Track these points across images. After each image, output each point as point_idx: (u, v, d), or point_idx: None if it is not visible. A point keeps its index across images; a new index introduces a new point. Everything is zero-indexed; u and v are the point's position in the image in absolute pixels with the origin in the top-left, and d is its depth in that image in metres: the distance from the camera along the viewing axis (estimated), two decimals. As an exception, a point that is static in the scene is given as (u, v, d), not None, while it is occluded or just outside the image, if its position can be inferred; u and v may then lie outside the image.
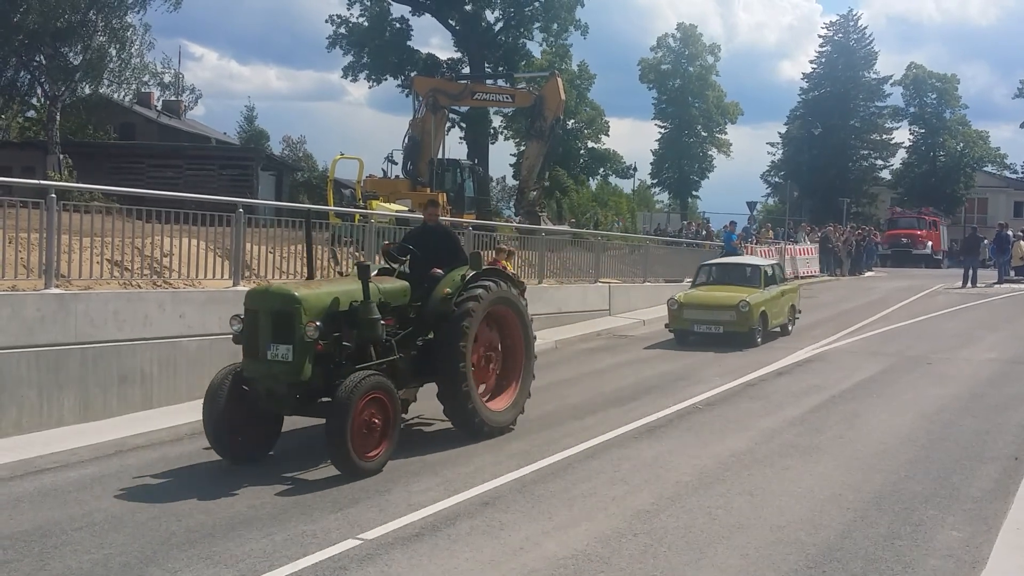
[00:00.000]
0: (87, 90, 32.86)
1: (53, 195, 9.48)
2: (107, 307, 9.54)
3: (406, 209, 21.57)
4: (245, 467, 8.07)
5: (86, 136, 37.17)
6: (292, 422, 10.16)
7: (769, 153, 66.98)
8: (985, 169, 65.67)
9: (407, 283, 9.05)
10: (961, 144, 62.99)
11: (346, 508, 6.97)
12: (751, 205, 37.86)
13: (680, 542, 6.26)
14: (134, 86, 34.09)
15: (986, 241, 35.75)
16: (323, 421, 7.85)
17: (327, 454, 7.77)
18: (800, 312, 18.53)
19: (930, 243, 46.47)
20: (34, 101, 36.78)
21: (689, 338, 16.23)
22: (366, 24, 44.22)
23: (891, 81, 62.95)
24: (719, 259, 20.84)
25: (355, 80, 45.82)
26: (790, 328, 17.61)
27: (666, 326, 16.65)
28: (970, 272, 28.41)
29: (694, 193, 61.73)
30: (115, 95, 34.50)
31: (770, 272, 17.37)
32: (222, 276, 11.61)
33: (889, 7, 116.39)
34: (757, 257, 19.55)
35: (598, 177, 57.83)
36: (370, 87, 47.03)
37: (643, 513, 6.88)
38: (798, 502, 7.18)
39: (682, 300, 16.43)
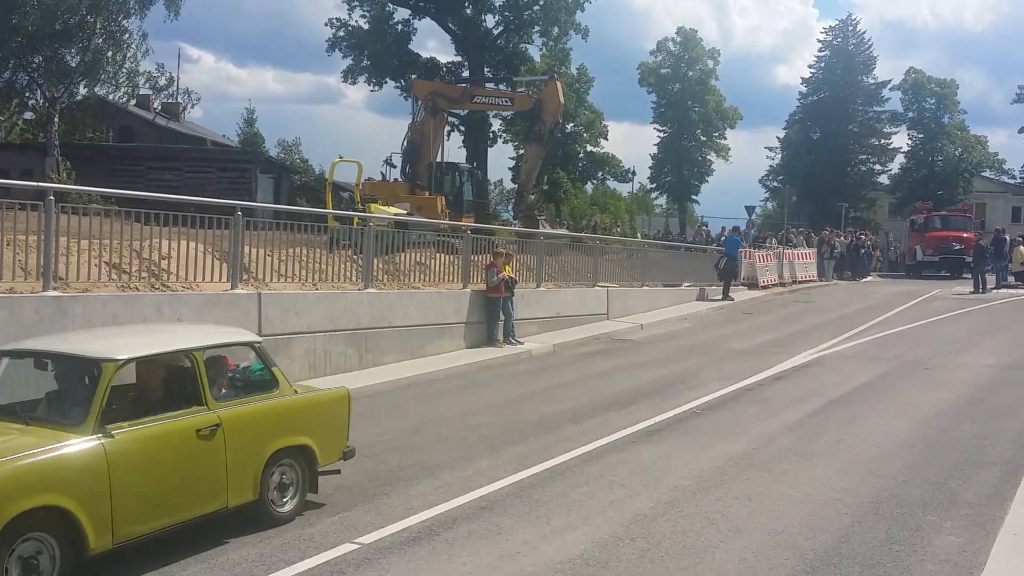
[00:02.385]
0: (83, 91, 32.98)
1: (51, 197, 9.48)
2: (105, 309, 9.52)
3: (404, 212, 21.60)
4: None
5: (84, 138, 37.18)
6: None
7: (768, 157, 67.04)
8: (983, 174, 65.74)
9: None
10: (959, 149, 63.03)
11: (343, 512, 6.97)
12: (749, 209, 37.91)
13: (677, 547, 6.26)
14: (126, 88, 34.31)
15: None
16: None
17: None
18: (350, 449, 7.50)
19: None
20: (32, 103, 36.84)
21: None
22: (367, 27, 44.25)
23: (890, 86, 63.07)
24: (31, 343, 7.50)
25: (354, 83, 45.88)
26: (276, 508, 6.79)
27: None
28: (979, 278, 28.41)
29: (693, 197, 61.82)
30: (110, 96, 34.58)
31: (166, 366, 6.57)
32: (220, 279, 11.59)
33: (884, 12, 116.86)
34: (91, 333, 7.98)
35: (596, 181, 57.80)
36: (371, 91, 46.97)
37: (641, 518, 6.88)
38: (796, 507, 7.18)
39: None
